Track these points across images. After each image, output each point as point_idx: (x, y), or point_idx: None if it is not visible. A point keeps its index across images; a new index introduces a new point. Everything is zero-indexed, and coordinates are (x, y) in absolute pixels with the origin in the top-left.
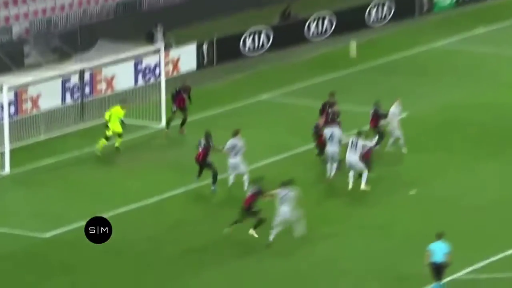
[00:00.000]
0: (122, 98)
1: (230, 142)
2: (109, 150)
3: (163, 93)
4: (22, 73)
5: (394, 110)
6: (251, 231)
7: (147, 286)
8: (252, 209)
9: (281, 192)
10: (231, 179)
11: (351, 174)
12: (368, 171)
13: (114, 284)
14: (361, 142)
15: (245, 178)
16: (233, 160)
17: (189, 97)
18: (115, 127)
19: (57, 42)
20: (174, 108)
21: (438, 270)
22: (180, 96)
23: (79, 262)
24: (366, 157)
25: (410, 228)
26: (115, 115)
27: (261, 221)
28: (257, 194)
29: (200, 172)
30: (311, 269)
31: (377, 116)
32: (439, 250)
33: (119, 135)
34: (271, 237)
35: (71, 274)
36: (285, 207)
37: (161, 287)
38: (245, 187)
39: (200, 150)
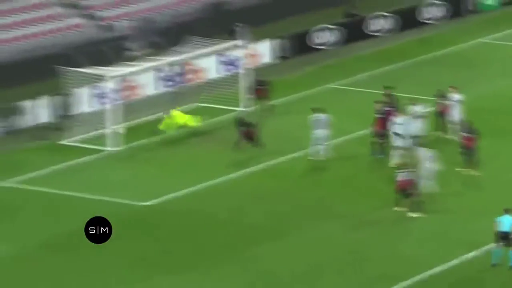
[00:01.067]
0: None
1: (314, 116)
2: (197, 131)
3: (244, 82)
4: (124, 65)
5: (453, 97)
6: (410, 214)
7: (227, 251)
8: (407, 191)
9: (423, 153)
10: (317, 150)
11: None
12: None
13: (195, 248)
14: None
15: (323, 147)
16: (318, 131)
17: (267, 89)
18: (189, 121)
19: (154, 38)
20: (252, 97)
21: (503, 238)
22: (257, 88)
23: (170, 227)
24: (470, 145)
25: (462, 203)
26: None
27: (417, 203)
28: (412, 181)
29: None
30: (373, 235)
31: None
32: (506, 222)
33: (191, 123)
34: (429, 189)
35: (162, 238)
36: (429, 164)
37: (241, 252)
38: (322, 154)
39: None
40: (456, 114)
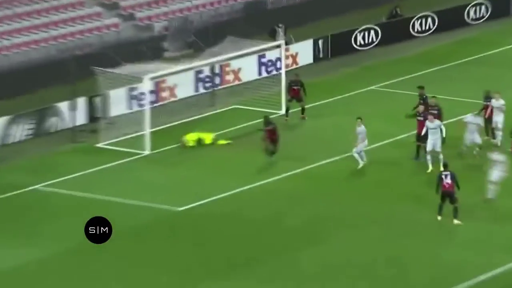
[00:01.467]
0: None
1: (359, 129)
2: (235, 134)
3: (284, 84)
4: (161, 65)
5: (495, 103)
6: (456, 221)
7: (265, 255)
8: (453, 194)
9: (495, 156)
10: (363, 161)
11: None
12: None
13: (234, 251)
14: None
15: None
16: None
17: (304, 89)
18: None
19: (191, 38)
20: (289, 98)
21: None
22: (291, 88)
23: (207, 232)
24: None
25: (507, 209)
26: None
27: (457, 209)
28: (455, 178)
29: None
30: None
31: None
32: None
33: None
34: (489, 195)
35: (199, 243)
36: (496, 171)
37: (279, 256)
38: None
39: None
40: (499, 119)
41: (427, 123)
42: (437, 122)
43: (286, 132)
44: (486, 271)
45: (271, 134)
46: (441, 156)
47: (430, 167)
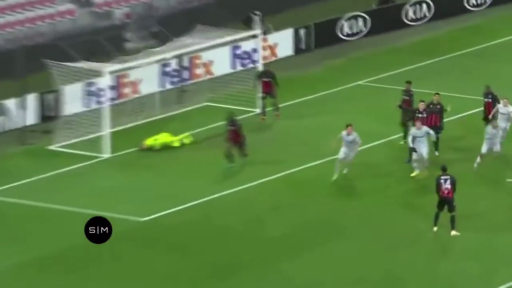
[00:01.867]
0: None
1: (350, 137)
2: (207, 134)
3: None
4: (123, 58)
5: (502, 109)
6: (453, 232)
7: (245, 267)
8: (452, 202)
9: None
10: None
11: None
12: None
13: (209, 265)
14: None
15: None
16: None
17: (276, 82)
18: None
19: (156, 27)
20: (263, 94)
21: None
22: (262, 81)
23: (177, 244)
24: None
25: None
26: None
27: (454, 218)
28: (454, 184)
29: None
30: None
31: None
32: None
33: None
34: None
35: (167, 257)
36: None
37: (258, 268)
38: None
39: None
40: (505, 126)
41: (414, 130)
42: (425, 128)
43: (263, 133)
44: (490, 285)
45: (234, 135)
46: (426, 164)
47: (415, 172)
